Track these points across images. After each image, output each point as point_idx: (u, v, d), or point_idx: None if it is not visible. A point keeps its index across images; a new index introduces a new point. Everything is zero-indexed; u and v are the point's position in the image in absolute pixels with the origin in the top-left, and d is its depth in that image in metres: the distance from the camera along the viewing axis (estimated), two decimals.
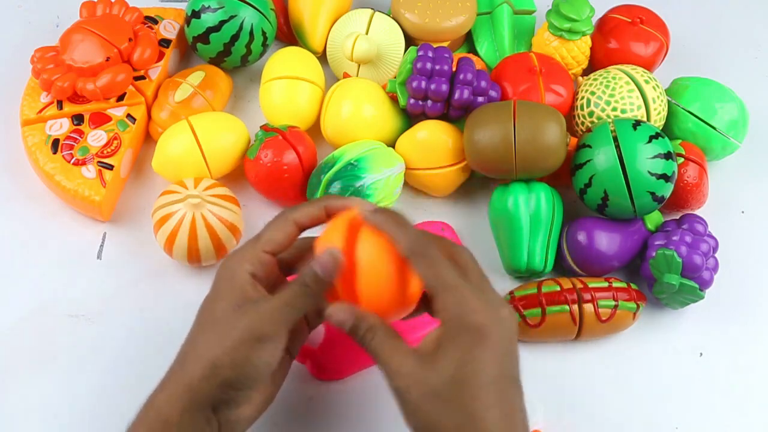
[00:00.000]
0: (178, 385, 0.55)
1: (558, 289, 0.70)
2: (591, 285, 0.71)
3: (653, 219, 0.75)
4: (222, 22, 0.79)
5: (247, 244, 0.59)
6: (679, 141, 0.78)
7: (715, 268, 0.72)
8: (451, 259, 0.55)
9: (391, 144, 0.79)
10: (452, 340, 0.52)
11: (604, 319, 0.70)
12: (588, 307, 0.70)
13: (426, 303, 0.57)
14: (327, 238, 0.56)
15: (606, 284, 0.71)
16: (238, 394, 0.55)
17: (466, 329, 0.51)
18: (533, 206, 0.73)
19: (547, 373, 0.72)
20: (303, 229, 0.59)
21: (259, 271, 0.57)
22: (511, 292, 0.72)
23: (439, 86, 0.75)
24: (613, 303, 0.70)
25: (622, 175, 0.70)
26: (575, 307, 0.70)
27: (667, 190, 0.71)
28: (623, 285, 0.72)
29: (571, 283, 0.71)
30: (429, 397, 0.51)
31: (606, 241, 0.73)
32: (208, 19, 0.79)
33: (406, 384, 0.52)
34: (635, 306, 0.71)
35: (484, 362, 0.51)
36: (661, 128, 0.78)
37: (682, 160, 0.75)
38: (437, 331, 0.53)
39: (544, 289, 0.71)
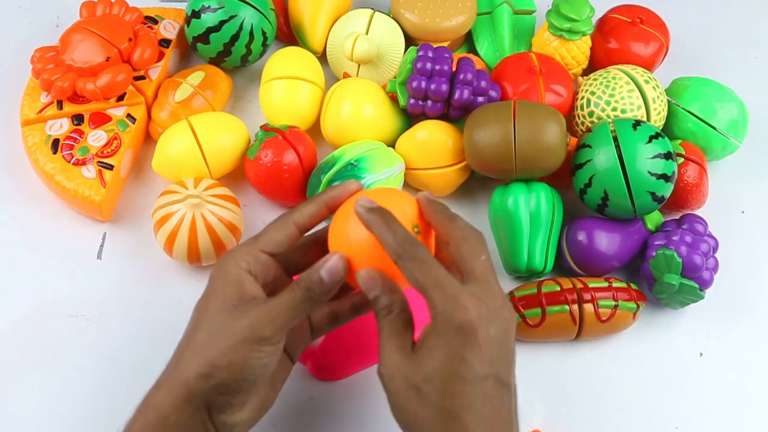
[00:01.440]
0: (174, 382, 0.54)
1: (558, 289, 0.70)
2: (591, 285, 0.71)
3: (653, 219, 0.75)
4: (222, 22, 0.79)
5: (244, 243, 0.58)
6: (679, 141, 0.78)
7: (715, 268, 0.72)
8: (454, 247, 0.54)
9: (391, 144, 0.79)
10: (437, 336, 0.51)
11: (604, 319, 0.70)
12: (588, 307, 0.70)
13: None
14: (334, 230, 0.56)
15: (606, 284, 0.71)
16: (235, 397, 0.55)
17: (453, 327, 0.50)
18: (533, 206, 0.73)
19: (547, 373, 0.72)
20: (304, 230, 0.59)
21: (255, 269, 0.56)
22: (511, 292, 0.72)
23: (439, 86, 0.75)
24: (613, 303, 0.70)
25: (622, 175, 0.70)
26: (575, 307, 0.70)
27: (667, 190, 0.71)
28: (623, 285, 0.72)
29: (571, 283, 0.71)
30: (409, 390, 0.51)
31: (606, 241, 0.73)
32: (208, 19, 0.80)
33: (389, 373, 0.52)
34: (635, 306, 0.71)
35: (469, 361, 0.50)
36: (661, 128, 0.78)
37: (682, 160, 0.75)
38: (426, 328, 0.52)
39: (544, 289, 0.71)
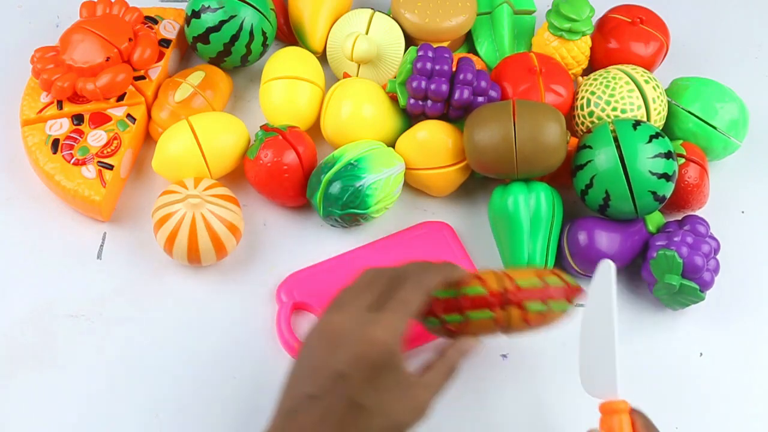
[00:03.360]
0: None
1: (483, 292, 0.63)
2: (521, 284, 0.64)
3: (654, 220, 0.75)
4: (222, 22, 0.79)
5: (395, 314, 0.55)
6: (680, 141, 0.78)
7: (716, 270, 0.72)
8: None
9: (391, 144, 0.79)
10: None
11: (532, 322, 0.64)
12: (515, 311, 0.63)
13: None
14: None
15: (539, 283, 0.64)
16: None
17: None
18: (533, 206, 0.73)
19: (547, 373, 0.72)
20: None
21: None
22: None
23: (439, 86, 0.75)
24: (543, 306, 0.63)
25: (623, 175, 0.70)
26: (500, 311, 0.63)
27: (668, 189, 0.71)
28: (558, 283, 0.64)
29: (498, 283, 0.64)
30: None
31: (606, 240, 0.73)
32: (208, 19, 0.79)
33: None
34: (568, 304, 0.65)
35: None
36: (661, 128, 0.78)
37: (683, 160, 0.75)
38: None
39: (469, 292, 0.64)
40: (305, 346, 0.56)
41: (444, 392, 0.58)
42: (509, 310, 0.63)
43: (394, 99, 0.79)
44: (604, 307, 0.62)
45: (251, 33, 0.80)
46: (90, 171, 0.75)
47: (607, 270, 0.63)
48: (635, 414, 0.60)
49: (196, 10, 0.80)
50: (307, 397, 0.53)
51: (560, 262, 0.75)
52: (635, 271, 0.76)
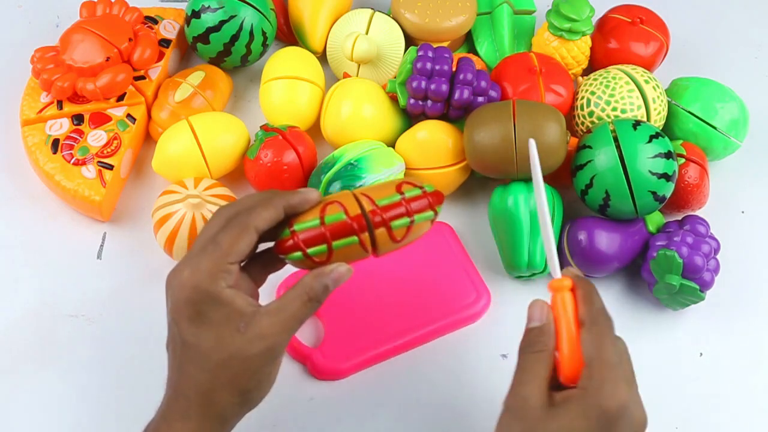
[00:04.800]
0: (209, 416, 0.55)
1: (344, 217, 0.59)
2: (380, 203, 0.60)
3: (654, 220, 0.75)
4: (222, 22, 0.79)
5: (205, 254, 0.56)
6: (680, 141, 0.78)
7: (716, 270, 0.72)
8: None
9: (391, 144, 0.79)
10: (584, 408, 0.52)
11: (399, 238, 0.61)
12: (380, 232, 0.59)
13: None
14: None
15: (398, 197, 0.60)
16: (252, 406, 0.58)
17: (601, 407, 0.52)
18: (533, 206, 0.73)
19: None
20: (262, 234, 0.58)
21: (233, 283, 0.56)
22: (291, 224, 0.60)
23: (439, 86, 0.75)
24: (408, 221, 0.60)
25: (623, 175, 0.70)
26: (365, 235, 0.59)
27: (668, 189, 0.71)
28: (417, 192, 0.61)
29: (357, 203, 0.60)
30: None
31: (606, 241, 0.73)
32: (208, 19, 0.80)
33: (517, 408, 0.53)
34: (432, 213, 0.62)
35: None
36: (661, 128, 0.78)
37: (683, 160, 0.75)
38: (575, 392, 0.53)
39: (328, 220, 0.59)
40: None
41: (303, 319, 0.56)
42: (375, 232, 0.59)
43: (394, 99, 0.79)
44: (535, 190, 0.61)
45: (251, 33, 0.80)
46: (90, 171, 0.75)
47: (532, 149, 0.61)
48: (579, 287, 0.57)
49: (196, 10, 0.80)
50: (166, 347, 0.58)
51: (560, 262, 0.75)
52: (635, 271, 0.76)
